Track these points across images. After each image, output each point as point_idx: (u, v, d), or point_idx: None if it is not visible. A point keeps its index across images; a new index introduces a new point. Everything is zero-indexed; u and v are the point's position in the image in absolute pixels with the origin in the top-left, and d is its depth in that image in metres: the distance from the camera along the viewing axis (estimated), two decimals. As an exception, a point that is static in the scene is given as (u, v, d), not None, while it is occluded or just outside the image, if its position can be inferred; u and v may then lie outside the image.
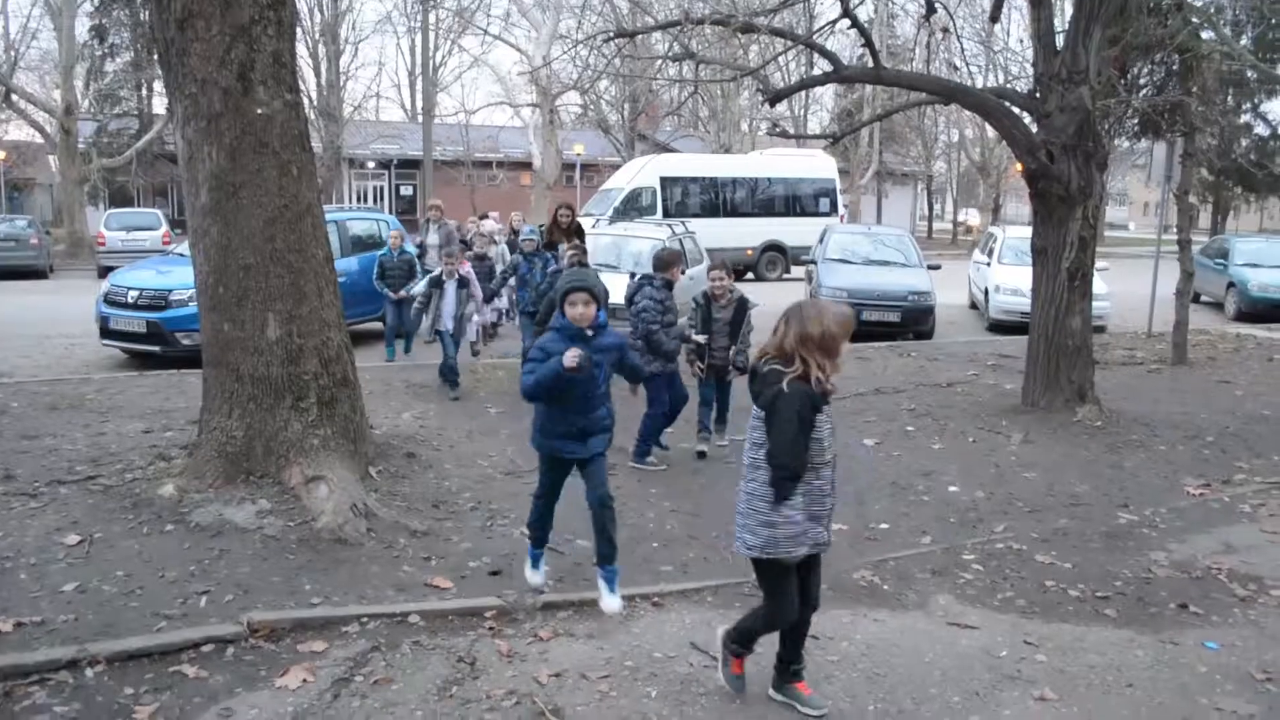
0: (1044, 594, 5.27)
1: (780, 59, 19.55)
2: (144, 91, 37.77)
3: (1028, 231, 10.55)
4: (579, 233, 11.63)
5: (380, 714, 3.89)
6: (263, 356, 6.08)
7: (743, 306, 7.77)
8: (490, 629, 4.66)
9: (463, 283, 10.00)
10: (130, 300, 11.55)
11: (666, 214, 24.35)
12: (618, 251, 13.33)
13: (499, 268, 12.03)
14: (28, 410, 8.53)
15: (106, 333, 11.76)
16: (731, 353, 7.66)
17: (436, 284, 9.86)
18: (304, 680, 4.09)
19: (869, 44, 9.75)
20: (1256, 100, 29.73)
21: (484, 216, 19.06)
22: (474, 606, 4.84)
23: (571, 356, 4.41)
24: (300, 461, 6.03)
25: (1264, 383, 11.51)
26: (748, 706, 4.05)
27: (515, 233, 14.20)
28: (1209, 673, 4.42)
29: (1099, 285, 10.75)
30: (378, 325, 12.99)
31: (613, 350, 4.79)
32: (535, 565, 5.09)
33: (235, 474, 6.03)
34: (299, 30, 16.84)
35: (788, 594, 3.92)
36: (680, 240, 13.82)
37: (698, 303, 7.82)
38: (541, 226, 11.88)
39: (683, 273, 8.52)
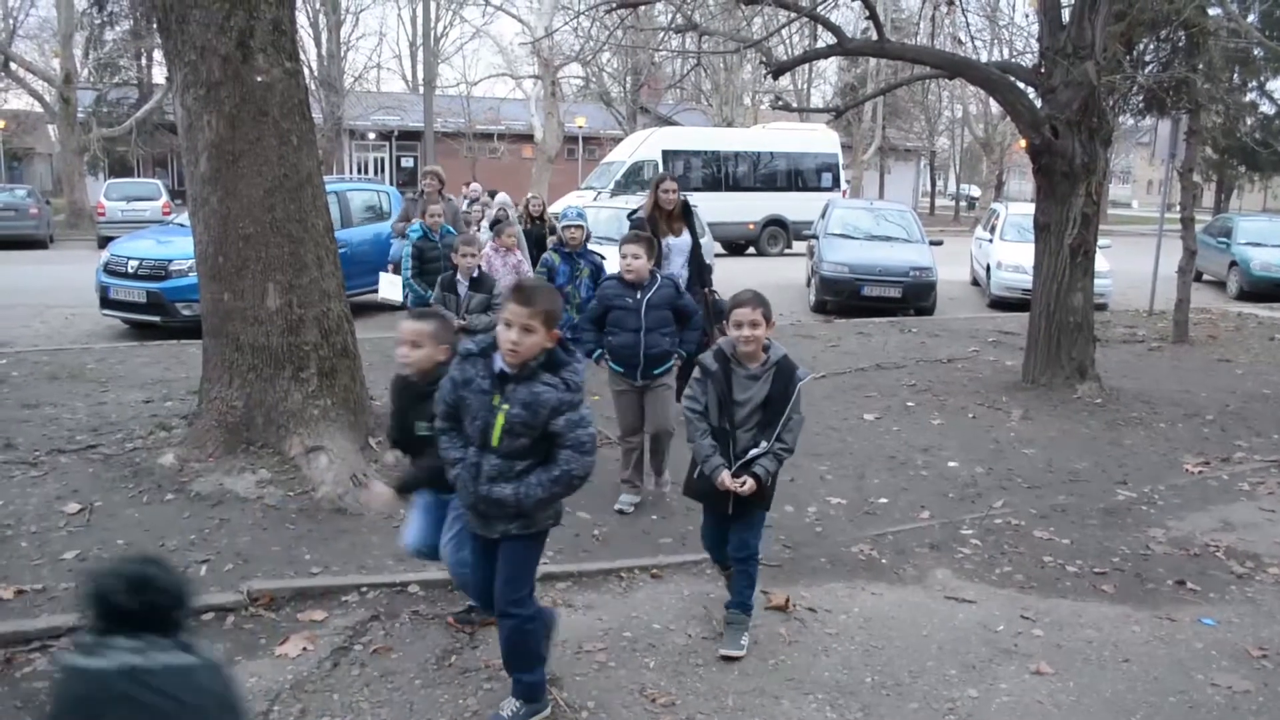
0: (1041, 569, 5.29)
1: (784, 31, 19.41)
2: (143, 60, 37.53)
3: (1030, 208, 10.52)
4: (688, 214, 7.96)
5: (379, 683, 3.91)
6: (263, 326, 6.07)
7: (787, 376, 4.15)
8: (489, 599, 4.67)
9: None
10: (130, 270, 11.53)
11: (668, 188, 24.25)
12: (619, 225, 13.29)
13: None
14: (28, 379, 8.52)
15: (106, 303, 11.75)
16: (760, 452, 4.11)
17: (448, 288, 7.29)
18: (304, 649, 4.11)
19: (873, 17, 9.68)
20: (1263, 78, 29.50)
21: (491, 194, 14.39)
22: (473, 577, 4.84)
23: None
24: (300, 432, 6.03)
25: (1265, 361, 11.50)
26: (745, 677, 4.07)
27: (499, 216, 11.76)
28: (1205, 649, 4.44)
29: (1101, 262, 10.72)
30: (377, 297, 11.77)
31: None
32: None
33: (235, 444, 6.03)
34: (299, -1, 16.63)
35: None
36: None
37: (706, 369, 4.21)
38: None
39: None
